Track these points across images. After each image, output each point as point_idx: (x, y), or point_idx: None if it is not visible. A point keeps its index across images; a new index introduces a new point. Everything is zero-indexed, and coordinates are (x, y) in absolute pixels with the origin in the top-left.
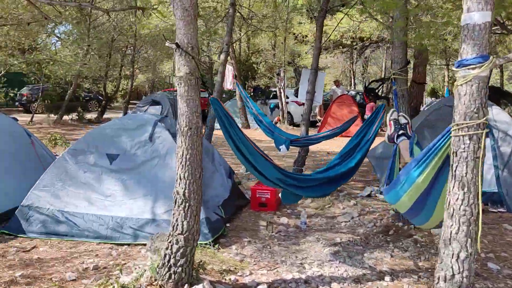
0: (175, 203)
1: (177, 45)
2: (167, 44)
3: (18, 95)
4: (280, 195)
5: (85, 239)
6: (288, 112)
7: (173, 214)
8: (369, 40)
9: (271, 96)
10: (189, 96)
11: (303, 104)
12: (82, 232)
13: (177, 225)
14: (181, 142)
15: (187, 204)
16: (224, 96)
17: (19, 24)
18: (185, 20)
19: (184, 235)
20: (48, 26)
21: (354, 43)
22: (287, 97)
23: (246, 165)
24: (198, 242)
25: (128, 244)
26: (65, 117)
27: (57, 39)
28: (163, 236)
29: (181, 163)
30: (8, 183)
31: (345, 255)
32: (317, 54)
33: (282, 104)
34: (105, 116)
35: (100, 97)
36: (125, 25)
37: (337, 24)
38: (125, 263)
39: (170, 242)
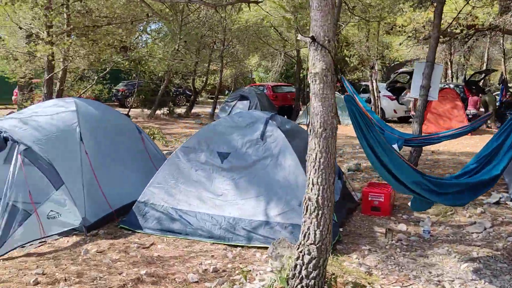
0: (306, 210)
1: (313, 39)
2: (299, 37)
3: (114, 90)
4: (409, 202)
5: (198, 238)
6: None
7: (304, 221)
8: (474, 28)
9: (361, 90)
10: (325, 94)
11: (395, 98)
12: (195, 231)
13: (309, 234)
14: (315, 144)
15: (320, 212)
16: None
17: (122, 23)
18: (323, 10)
19: (317, 245)
20: (140, 24)
21: (463, 31)
22: (379, 92)
23: (378, 166)
24: None
25: (242, 246)
26: (157, 112)
27: (148, 36)
28: (284, 242)
29: (313, 167)
30: (126, 178)
31: (489, 274)
32: (434, 44)
33: (374, 98)
34: (193, 110)
35: (188, 92)
36: (215, 21)
37: (459, 11)
38: (243, 267)
39: (301, 252)
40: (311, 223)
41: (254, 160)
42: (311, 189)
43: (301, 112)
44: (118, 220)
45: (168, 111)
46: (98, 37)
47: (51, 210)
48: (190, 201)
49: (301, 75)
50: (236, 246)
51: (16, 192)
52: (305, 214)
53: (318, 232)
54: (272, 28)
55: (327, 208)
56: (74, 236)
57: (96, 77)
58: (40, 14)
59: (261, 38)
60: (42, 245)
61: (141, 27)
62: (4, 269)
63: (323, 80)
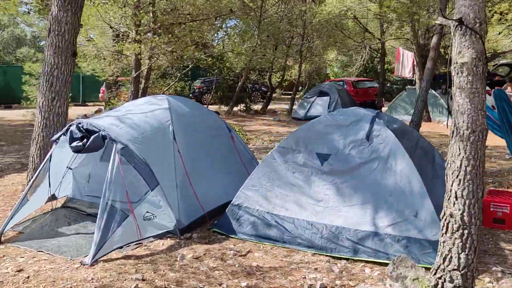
0: (446, 228)
1: (460, 21)
2: (439, 21)
3: (191, 87)
4: None
5: (297, 247)
6: None
7: (443, 242)
8: None
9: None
10: (474, 88)
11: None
12: (293, 239)
13: (451, 257)
14: (459, 149)
15: (465, 231)
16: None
17: (206, 19)
18: None
19: (461, 272)
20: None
21: None
22: None
23: None
24: (426, 265)
25: (347, 259)
26: (234, 108)
27: (224, 33)
28: (407, 261)
29: (457, 176)
30: (217, 178)
31: None
32: None
33: None
34: (269, 107)
35: (264, 88)
36: (294, 14)
37: None
38: (354, 286)
39: (440, 278)
40: (453, 244)
41: (359, 163)
42: (454, 204)
43: (385, 109)
44: (210, 222)
45: (244, 108)
46: (183, 34)
47: (147, 211)
48: (287, 206)
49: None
50: (340, 258)
51: (114, 192)
52: (445, 233)
53: (463, 255)
54: (354, 20)
55: (474, 227)
56: (169, 239)
57: (178, 74)
58: (129, 13)
59: (341, 31)
60: (138, 247)
61: (218, 24)
62: (104, 271)
63: (473, 72)
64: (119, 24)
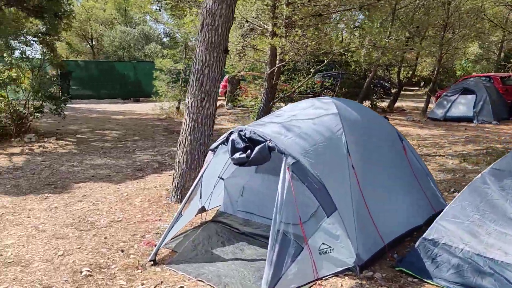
0: None
1: None
2: None
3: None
4: None
5: None
6: None
7: None
8: None
9: None
10: None
11: None
12: None
13: None
14: None
15: None
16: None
17: (347, 10)
18: None
19: None
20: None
21: None
22: None
23: None
24: None
25: None
26: None
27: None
28: None
29: None
30: (395, 200)
31: None
32: None
33: None
34: (396, 104)
35: (386, 84)
36: (433, 3)
37: None
38: None
39: None
40: None
41: None
42: None
43: None
44: (389, 255)
45: (371, 105)
46: (324, 27)
47: (323, 243)
48: (507, 248)
49: None
50: None
51: (286, 216)
52: None
53: None
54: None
55: None
56: (346, 277)
57: (312, 70)
58: (266, 7)
59: (492, 20)
60: (313, 285)
61: (337, 17)
62: None
63: None
64: (255, 17)
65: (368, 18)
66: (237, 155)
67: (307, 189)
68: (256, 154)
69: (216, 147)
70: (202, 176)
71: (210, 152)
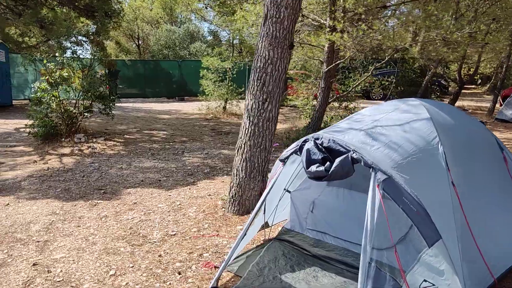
0: None
1: None
2: None
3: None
4: None
5: None
6: None
7: None
8: None
9: None
10: None
11: None
12: None
13: None
14: None
15: None
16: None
17: (412, 1)
18: None
19: None
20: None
21: None
22: None
23: None
24: None
25: None
26: None
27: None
28: None
29: None
30: (503, 225)
31: None
32: None
33: None
34: (456, 104)
35: (443, 82)
36: None
37: None
38: None
39: None
40: None
41: None
42: None
43: None
44: None
45: None
46: (390, 20)
47: (424, 280)
48: None
49: None
50: None
51: (377, 243)
52: None
53: None
54: None
55: None
56: None
57: (370, 68)
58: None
59: None
60: None
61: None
62: None
63: None
64: (311, 11)
65: (437, 9)
66: (313, 168)
67: (401, 211)
68: (337, 168)
69: (287, 157)
70: (270, 190)
71: (279, 162)
